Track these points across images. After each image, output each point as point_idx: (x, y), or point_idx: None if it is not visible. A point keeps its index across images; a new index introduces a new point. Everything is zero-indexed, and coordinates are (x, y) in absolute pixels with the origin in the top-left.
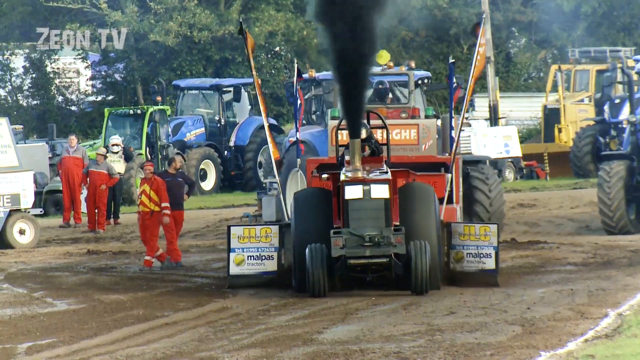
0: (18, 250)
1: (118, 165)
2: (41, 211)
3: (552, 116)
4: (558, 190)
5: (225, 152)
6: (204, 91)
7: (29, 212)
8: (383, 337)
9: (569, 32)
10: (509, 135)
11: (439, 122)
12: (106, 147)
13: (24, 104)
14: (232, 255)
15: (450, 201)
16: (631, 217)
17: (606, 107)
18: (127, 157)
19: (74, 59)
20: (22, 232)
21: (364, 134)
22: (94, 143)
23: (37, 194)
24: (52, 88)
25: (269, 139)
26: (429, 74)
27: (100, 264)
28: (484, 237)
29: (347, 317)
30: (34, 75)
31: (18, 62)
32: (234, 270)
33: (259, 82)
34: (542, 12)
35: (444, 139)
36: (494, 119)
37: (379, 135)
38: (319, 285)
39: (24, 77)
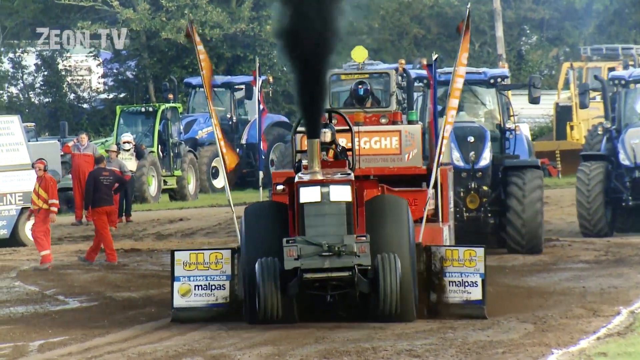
0: (30, 248)
1: (130, 163)
2: None
3: (564, 114)
4: (570, 188)
5: (237, 149)
6: (215, 89)
7: None
8: (395, 335)
9: (580, 30)
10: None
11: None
12: (118, 144)
13: (36, 102)
14: (176, 284)
15: (435, 220)
16: (608, 218)
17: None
18: (139, 154)
19: (86, 56)
20: None
21: (327, 137)
22: (106, 141)
23: None
24: (64, 86)
25: (221, 145)
26: (504, 71)
27: None
28: (469, 262)
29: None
30: (45, 73)
31: (30, 60)
32: (178, 302)
33: (209, 78)
34: (554, 10)
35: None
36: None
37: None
38: (271, 306)
39: (35, 74)
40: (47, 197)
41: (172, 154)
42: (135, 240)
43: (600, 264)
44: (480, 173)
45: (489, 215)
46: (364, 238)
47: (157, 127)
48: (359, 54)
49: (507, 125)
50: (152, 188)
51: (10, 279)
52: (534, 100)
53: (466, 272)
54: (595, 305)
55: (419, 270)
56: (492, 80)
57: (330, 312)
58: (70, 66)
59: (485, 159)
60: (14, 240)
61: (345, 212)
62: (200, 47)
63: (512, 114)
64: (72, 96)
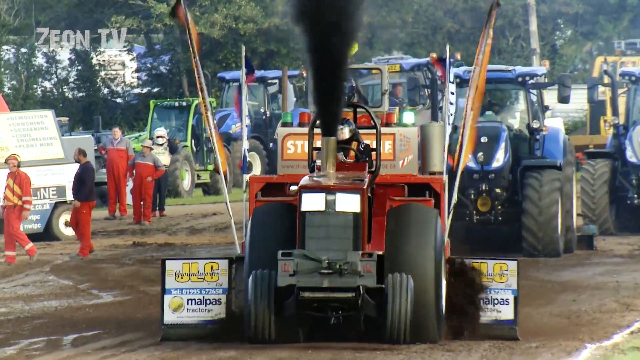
0: (64, 242)
1: (163, 158)
2: None
3: (597, 108)
4: None
5: (271, 144)
6: (249, 83)
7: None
8: None
9: (614, 24)
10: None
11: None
12: (151, 139)
13: (70, 96)
14: (167, 298)
15: None
16: (613, 218)
17: None
18: (172, 149)
19: (119, 51)
20: (67, 224)
21: (346, 134)
22: (140, 135)
23: None
24: (98, 80)
25: (216, 146)
26: (535, 70)
27: (146, 255)
28: (500, 277)
29: None
30: (79, 68)
31: (63, 55)
32: (169, 317)
33: (198, 70)
34: (588, 4)
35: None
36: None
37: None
38: (263, 325)
39: (69, 69)
40: (22, 193)
41: (205, 148)
42: (169, 234)
43: (634, 259)
44: (492, 175)
45: (502, 218)
46: (371, 256)
47: (191, 122)
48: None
49: (534, 125)
50: (186, 182)
51: (44, 273)
52: (564, 100)
53: (496, 288)
54: (629, 299)
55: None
56: (520, 79)
57: (339, 331)
58: (104, 61)
59: (499, 160)
60: (47, 234)
61: (352, 224)
62: (191, 30)
63: (542, 113)
64: (105, 91)
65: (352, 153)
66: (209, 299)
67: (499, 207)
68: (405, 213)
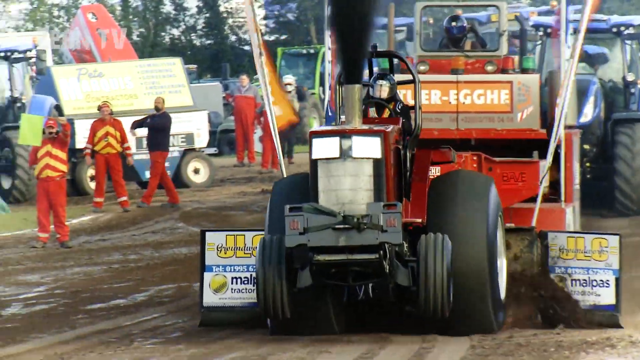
0: (192, 190)
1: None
2: (215, 150)
3: None
4: None
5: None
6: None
7: (203, 151)
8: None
9: None
10: None
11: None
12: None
13: (198, 44)
14: (207, 276)
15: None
16: None
17: None
18: (300, 96)
19: None
20: (196, 171)
21: (385, 92)
22: None
23: (212, 133)
24: (225, 28)
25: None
26: (631, 20)
27: None
28: (599, 254)
29: None
30: (207, 15)
31: (191, 2)
32: (209, 299)
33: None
34: None
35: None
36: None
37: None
38: (274, 297)
39: (197, 16)
40: (122, 140)
41: None
42: None
43: None
44: (580, 130)
45: (592, 175)
46: (396, 207)
47: (319, 69)
48: None
49: (628, 78)
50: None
51: (174, 220)
52: None
53: (594, 267)
54: None
55: (530, 264)
56: (615, 29)
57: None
58: (231, 8)
59: (587, 115)
60: (176, 181)
61: (373, 172)
62: None
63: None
64: (233, 38)
65: (386, 113)
66: None
67: (588, 164)
68: (452, 180)
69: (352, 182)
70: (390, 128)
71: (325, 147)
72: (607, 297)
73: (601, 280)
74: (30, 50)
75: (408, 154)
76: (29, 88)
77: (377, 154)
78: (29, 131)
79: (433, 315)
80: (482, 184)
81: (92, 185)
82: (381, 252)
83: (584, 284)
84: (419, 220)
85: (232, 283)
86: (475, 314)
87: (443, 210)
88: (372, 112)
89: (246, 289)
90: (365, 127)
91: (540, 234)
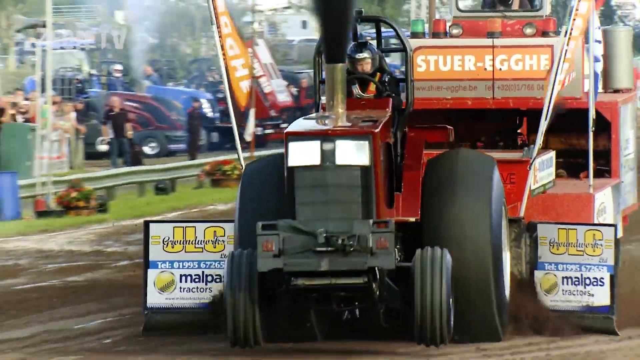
0: None
1: None
2: None
3: None
4: None
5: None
6: None
7: None
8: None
9: None
10: None
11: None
12: None
13: None
14: (151, 273)
15: (604, 171)
16: None
17: None
18: None
19: None
20: None
21: (367, 66)
22: None
23: None
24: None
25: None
26: None
27: None
28: (593, 249)
29: None
30: None
31: None
32: (154, 299)
33: None
34: None
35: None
36: None
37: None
38: (245, 325)
39: None
40: None
41: None
42: None
43: None
44: None
45: None
46: (387, 225)
47: None
48: None
49: None
50: None
51: None
52: None
53: (588, 263)
54: None
55: (518, 260)
56: None
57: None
58: None
59: None
60: None
61: (360, 183)
62: None
63: None
64: None
65: (372, 87)
66: (210, 275)
67: None
68: (450, 163)
69: (335, 193)
70: (379, 125)
71: (303, 153)
72: (601, 297)
73: (595, 278)
74: None
75: (399, 134)
76: None
77: (365, 160)
78: None
79: (431, 342)
80: (484, 166)
81: None
82: (370, 276)
83: (576, 282)
84: (412, 219)
85: (180, 281)
86: (479, 322)
87: (440, 204)
88: (356, 88)
89: (197, 287)
90: (350, 125)
91: (529, 226)
